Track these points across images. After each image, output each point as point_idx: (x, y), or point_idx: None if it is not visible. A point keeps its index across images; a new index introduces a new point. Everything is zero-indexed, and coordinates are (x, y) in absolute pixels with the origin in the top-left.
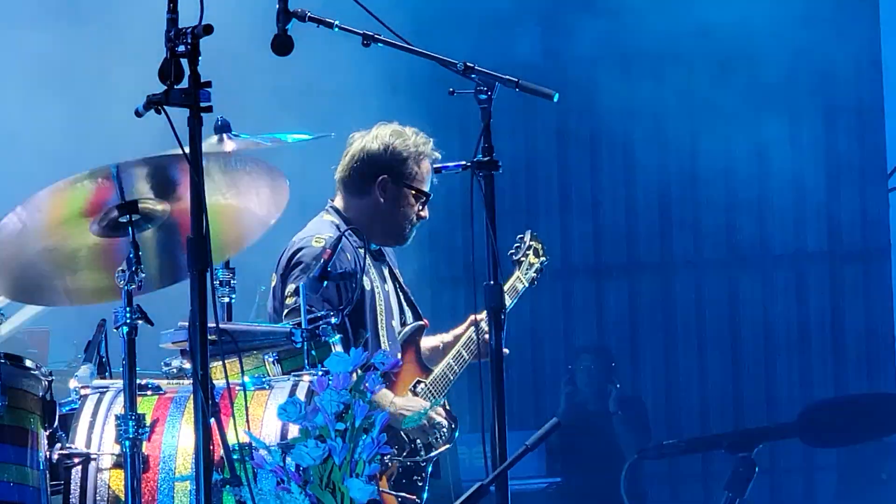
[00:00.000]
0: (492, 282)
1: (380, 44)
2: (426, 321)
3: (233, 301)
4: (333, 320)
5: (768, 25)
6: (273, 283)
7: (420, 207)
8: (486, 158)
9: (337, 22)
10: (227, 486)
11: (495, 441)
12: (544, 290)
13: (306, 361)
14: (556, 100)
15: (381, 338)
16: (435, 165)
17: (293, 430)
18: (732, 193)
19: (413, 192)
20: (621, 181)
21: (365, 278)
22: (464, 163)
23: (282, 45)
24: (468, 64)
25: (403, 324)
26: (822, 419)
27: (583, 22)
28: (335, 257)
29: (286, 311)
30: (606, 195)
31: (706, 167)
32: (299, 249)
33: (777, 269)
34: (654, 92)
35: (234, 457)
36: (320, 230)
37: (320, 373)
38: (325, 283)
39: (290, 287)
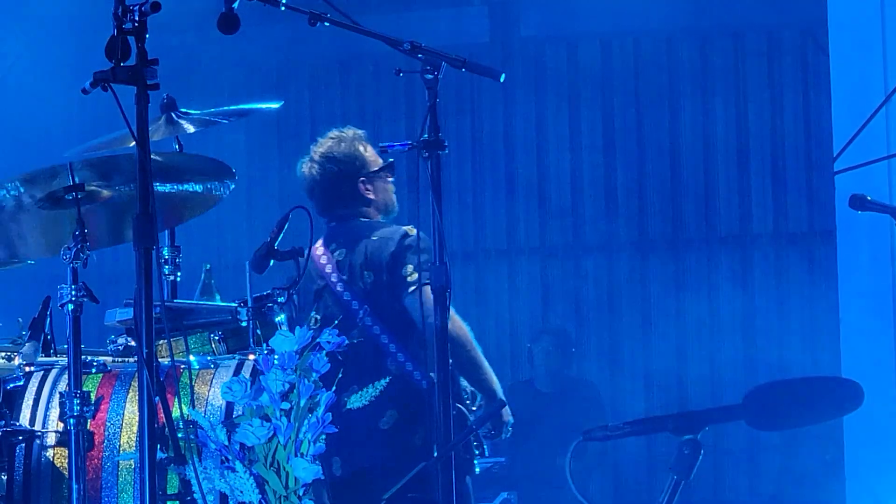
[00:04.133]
0: (437, 261)
1: (326, 23)
2: None
3: (178, 279)
4: (280, 299)
5: (716, 4)
6: (370, 279)
7: (390, 178)
8: (432, 138)
9: (284, 0)
10: (172, 465)
11: (440, 421)
12: (489, 270)
13: (251, 340)
14: (502, 80)
15: None
16: (381, 145)
17: (238, 409)
18: (677, 174)
19: (382, 171)
20: (567, 162)
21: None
22: (410, 143)
23: (227, 23)
24: (415, 44)
25: None
26: (768, 402)
27: (530, 2)
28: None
29: (411, 287)
30: (552, 176)
31: (652, 148)
32: (406, 235)
33: (722, 251)
34: (600, 73)
35: (179, 435)
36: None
37: (265, 352)
38: (272, 261)
39: (409, 266)
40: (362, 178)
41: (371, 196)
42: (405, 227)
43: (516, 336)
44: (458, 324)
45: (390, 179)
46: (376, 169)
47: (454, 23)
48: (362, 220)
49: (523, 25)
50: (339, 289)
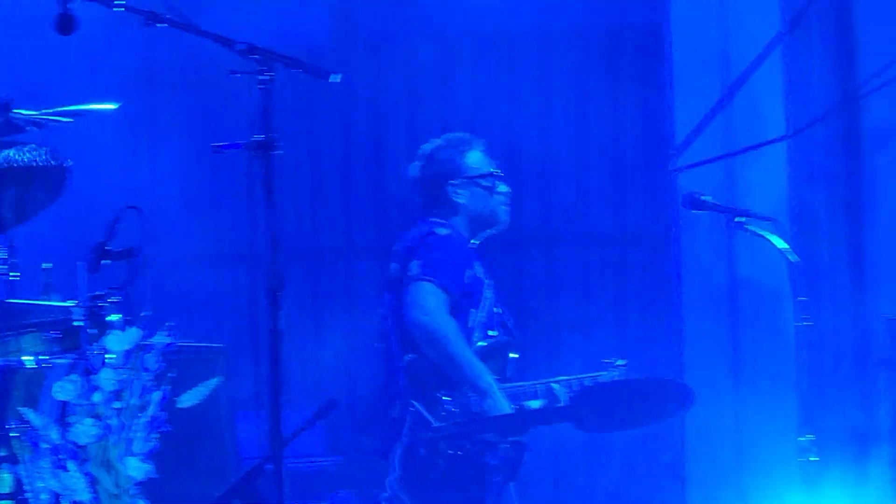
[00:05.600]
0: (271, 262)
1: (161, 24)
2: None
3: (14, 279)
4: (113, 299)
5: (556, 3)
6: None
7: (494, 186)
8: (265, 138)
9: (118, 1)
10: (4, 464)
11: (274, 420)
12: (324, 271)
13: (84, 340)
14: (337, 80)
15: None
16: (213, 145)
17: (71, 408)
18: (517, 174)
19: (478, 178)
20: (406, 162)
21: (478, 266)
22: (243, 142)
23: (64, 23)
24: (250, 44)
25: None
26: (594, 404)
27: (371, 2)
28: None
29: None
30: (391, 175)
31: (493, 147)
32: (431, 233)
33: (561, 252)
34: (440, 72)
35: (12, 434)
36: (433, 224)
37: (98, 351)
38: (106, 261)
39: (416, 261)
40: (452, 181)
41: (460, 201)
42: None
43: (354, 334)
44: (433, 319)
45: (491, 187)
46: (471, 175)
47: (294, 23)
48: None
49: (363, 25)
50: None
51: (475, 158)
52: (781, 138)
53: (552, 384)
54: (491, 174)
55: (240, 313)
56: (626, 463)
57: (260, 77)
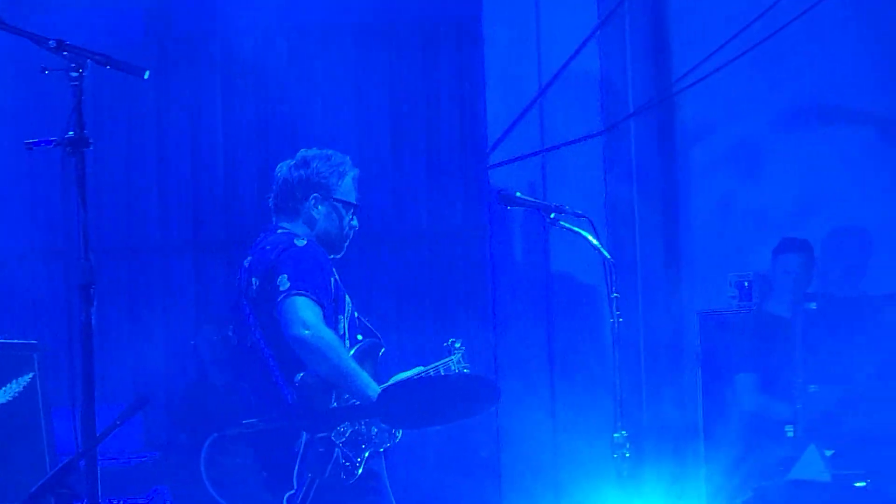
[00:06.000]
0: (82, 258)
1: None
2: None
3: None
4: None
5: None
6: (254, 286)
7: (350, 217)
8: (77, 135)
9: None
10: None
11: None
12: (140, 268)
13: None
14: (146, 77)
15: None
16: (26, 142)
17: None
18: None
19: (340, 203)
20: (221, 156)
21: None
22: (55, 139)
23: None
24: (60, 41)
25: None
26: (400, 400)
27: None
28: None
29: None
30: (205, 170)
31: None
32: (291, 245)
33: (376, 250)
34: (256, 69)
35: None
36: (291, 235)
37: None
38: None
39: (283, 276)
40: (315, 194)
41: (316, 217)
42: (294, 238)
43: (170, 330)
44: (315, 333)
45: (346, 219)
46: (336, 196)
47: (109, 21)
48: (280, 228)
49: (177, 22)
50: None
51: (347, 184)
52: (596, 134)
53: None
54: (353, 205)
55: (57, 309)
56: (442, 459)
57: (71, 74)
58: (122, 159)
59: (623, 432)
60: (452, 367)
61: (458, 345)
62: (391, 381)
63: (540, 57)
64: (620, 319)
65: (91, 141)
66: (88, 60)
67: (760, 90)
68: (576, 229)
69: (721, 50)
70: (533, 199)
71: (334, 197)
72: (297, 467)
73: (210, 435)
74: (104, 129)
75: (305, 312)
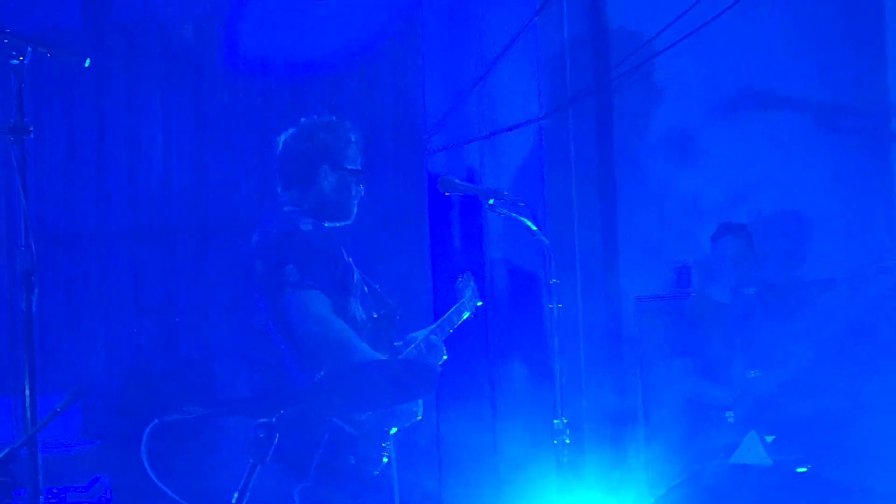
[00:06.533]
0: (23, 245)
1: None
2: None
3: None
4: None
5: None
6: (259, 270)
7: (358, 183)
8: (17, 123)
9: None
10: None
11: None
12: (79, 255)
13: None
14: (87, 64)
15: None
16: None
17: None
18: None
19: (348, 172)
20: (160, 145)
21: (343, 251)
22: None
23: None
24: (1, 29)
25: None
26: (336, 385)
27: None
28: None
29: (292, 289)
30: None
31: (243, 130)
32: (296, 230)
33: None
34: (192, 57)
35: None
36: (296, 217)
37: None
38: None
39: (290, 265)
40: (324, 165)
41: (325, 186)
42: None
43: (109, 318)
44: (327, 327)
45: (356, 183)
46: (344, 164)
47: (46, 8)
48: (286, 204)
49: (115, 9)
50: None
51: (353, 151)
52: (534, 120)
53: (431, 337)
54: (361, 171)
55: None
56: (398, 446)
57: (12, 62)
58: (62, 146)
59: (563, 419)
60: (466, 305)
61: (469, 281)
62: (405, 340)
63: (479, 43)
64: (560, 305)
65: (31, 129)
66: (28, 47)
67: (697, 77)
68: (514, 215)
69: (658, 37)
70: (472, 185)
71: (344, 167)
72: (315, 460)
73: (150, 422)
74: (43, 116)
75: (318, 307)
